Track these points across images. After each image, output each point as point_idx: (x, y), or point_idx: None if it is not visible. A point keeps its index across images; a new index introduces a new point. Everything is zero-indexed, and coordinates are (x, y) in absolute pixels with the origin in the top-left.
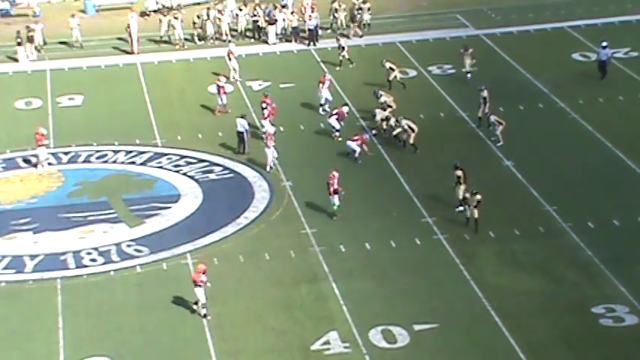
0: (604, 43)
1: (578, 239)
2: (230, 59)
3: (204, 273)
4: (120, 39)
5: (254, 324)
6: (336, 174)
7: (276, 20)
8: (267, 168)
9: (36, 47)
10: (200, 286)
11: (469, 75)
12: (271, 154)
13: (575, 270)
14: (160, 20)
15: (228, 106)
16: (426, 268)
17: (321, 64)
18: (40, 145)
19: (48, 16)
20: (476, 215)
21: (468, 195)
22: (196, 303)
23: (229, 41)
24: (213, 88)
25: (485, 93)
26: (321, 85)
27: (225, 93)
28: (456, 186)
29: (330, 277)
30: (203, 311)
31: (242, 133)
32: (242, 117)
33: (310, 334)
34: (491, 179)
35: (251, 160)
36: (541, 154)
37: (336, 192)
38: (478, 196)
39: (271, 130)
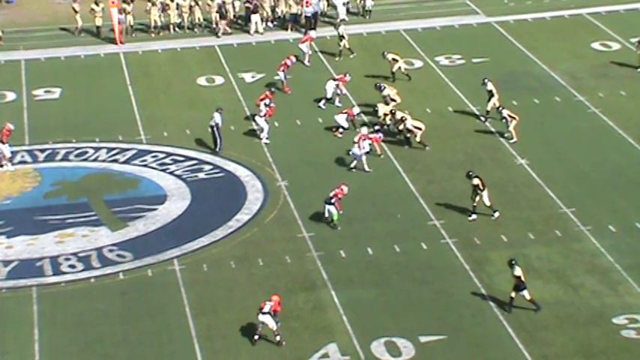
0: None
1: (598, 244)
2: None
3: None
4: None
5: (246, 335)
6: (345, 189)
7: (258, 9)
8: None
9: None
10: (275, 315)
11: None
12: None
13: (595, 277)
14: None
15: (286, 85)
16: (433, 274)
17: (319, 54)
18: (4, 142)
19: (23, 3)
20: (528, 297)
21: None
22: (257, 333)
23: (311, 29)
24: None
25: (489, 86)
26: (338, 82)
27: (284, 70)
28: (474, 196)
29: (329, 284)
30: (277, 338)
31: (213, 127)
32: (217, 110)
33: (307, 346)
34: (504, 178)
35: (240, 157)
36: (558, 152)
37: (331, 204)
38: (517, 271)
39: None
